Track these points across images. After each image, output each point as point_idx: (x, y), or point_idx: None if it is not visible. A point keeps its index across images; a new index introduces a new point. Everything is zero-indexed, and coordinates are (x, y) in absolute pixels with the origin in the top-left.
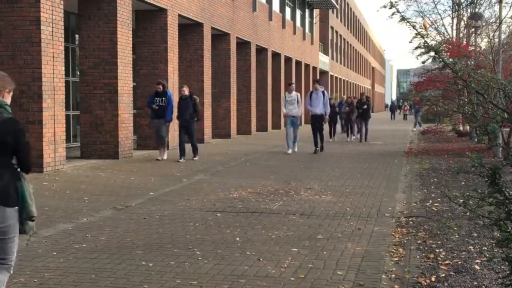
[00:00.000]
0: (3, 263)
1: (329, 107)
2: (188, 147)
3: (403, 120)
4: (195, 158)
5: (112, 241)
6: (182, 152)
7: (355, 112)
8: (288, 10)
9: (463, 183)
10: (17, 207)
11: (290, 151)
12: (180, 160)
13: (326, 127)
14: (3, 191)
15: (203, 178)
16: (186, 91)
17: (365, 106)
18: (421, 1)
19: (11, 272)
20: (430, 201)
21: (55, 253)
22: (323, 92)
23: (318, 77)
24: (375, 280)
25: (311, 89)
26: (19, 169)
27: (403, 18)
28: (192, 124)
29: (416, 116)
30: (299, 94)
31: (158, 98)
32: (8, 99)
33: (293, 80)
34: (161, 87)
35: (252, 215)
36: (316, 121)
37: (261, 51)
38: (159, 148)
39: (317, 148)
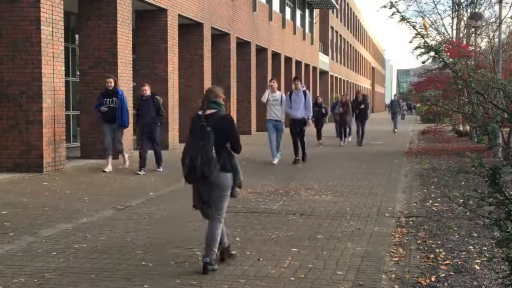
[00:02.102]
0: (219, 215)
1: (317, 107)
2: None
3: (401, 120)
4: (159, 169)
5: (112, 241)
6: (143, 163)
7: (350, 113)
8: (288, 10)
9: (463, 183)
10: (231, 174)
11: (276, 161)
12: (140, 173)
13: (311, 130)
14: (224, 163)
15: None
16: (147, 90)
17: (362, 106)
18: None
19: (223, 222)
20: (430, 201)
21: (55, 253)
22: (304, 91)
23: (317, 77)
24: (375, 280)
25: (311, 91)
26: (231, 150)
27: (403, 18)
28: (155, 129)
29: (395, 117)
30: (283, 94)
31: (108, 99)
32: (223, 102)
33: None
34: (112, 83)
35: (252, 215)
36: (296, 126)
37: (261, 51)
38: (107, 156)
39: (297, 157)
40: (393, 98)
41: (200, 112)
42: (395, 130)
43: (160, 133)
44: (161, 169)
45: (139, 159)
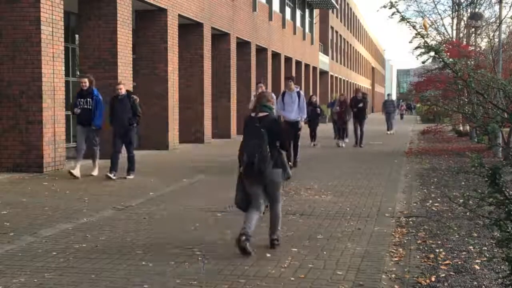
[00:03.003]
0: (278, 201)
1: (311, 106)
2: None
3: (400, 120)
4: (129, 176)
5: (112, 241)
6: (114, 166)
7: (349, 113)
8: (288, 10)
9: (463, 183)
10: (281, 169)
11: None
12: (111, 176)
13: (306, 131)
14: (276, 160)
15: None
16: (122, 89)
17: (361, 105)
18: (421, 1)
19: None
20: (430, 201)
21: (55, 253)
22: (298, 92)
23: (317, 77)
24: (375, 280)
25: (311, 91)
26: (280, 148)
27: (403, 18)
28: (130, 131)
29: (390, 117)
30: (273, 94)
31: (82, 100)
32: (274, 106)
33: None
34: (86, 83)
35: None
36: (290, 129)
37: (261, 51)
38: (77, 159)
39: (289, 163)
40: (386, 98)
41: (253, 115)
42: (390, 131)
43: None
44: (131, 176)
45: (111, 162)
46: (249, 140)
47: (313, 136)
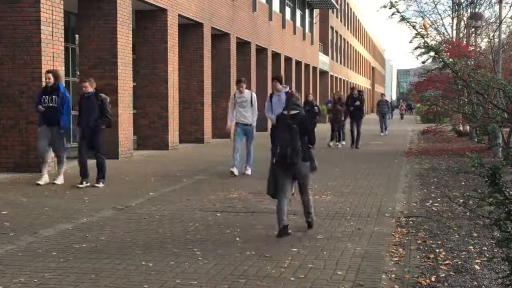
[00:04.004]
0: (307, 189)
1: (308, 106)
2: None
3: (400, 120)
4: (98, 185)
5: (112, 241)
6: (84, 173)
7: (345, 111)
8: (288, 10)
9: (463, 183)
10: (309, 162)
11: (235, 170)
12: (81, 186)
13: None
14: (304, 154)
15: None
16: (89, 87)
17: (358, 103)
18: (421, 1)
19: (310, 193)
20: (430, 201)
21: (55, 253)
22: (286, 93)
23: (317, 77)
24: (375, 280)
25: (311, 91)
26: (308, 143)
27: (403, 18)
28: (97, 133)
29: (384, 118)
30: (254, 93)
31: (46, 97)
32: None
33: (293, 81)
34: (51, 78)
35: (252, 215)
36: None
37: (261, 51)
38: (42, 165)
39: None
40: (380, 98)
41: (285, 112)
42: (384, 133)
43: (104, 138)
44: (100, 185)
45: (79, 168)
46: (281, 134)
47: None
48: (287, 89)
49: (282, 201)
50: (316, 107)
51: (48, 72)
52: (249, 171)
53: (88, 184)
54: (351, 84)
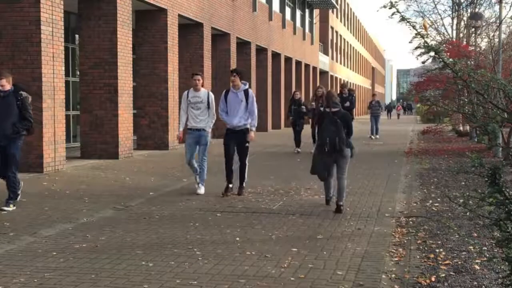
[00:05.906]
0: (344, 174)
1: (295, 105)
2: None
3: (397, 120)
4: (6, 208)
5: (112, 241)
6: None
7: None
8: (288, 10)
9: (463, 183)
10: (349, 149)
11: (200, 190)
12: (7, 208)
13: (289, 132)
14: (346, 142)
15: None
16: (6, 85)
17: (347, 104)
18: (421, 1)
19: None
20: (430, 201)
21: (55, 253)
22: (246, 91)
23: (318, 78)
24: (375, 280)
25: (311, 91)
26: (347, 135)
27: (403, 18)
28: (14, 142)
29: (376, 121)
30: (211, 93)
31: None
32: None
33: (293, 81)
34: None
35: (252, 215)
36: (232, 139)
37: (261, 51)
38: None
39: (230, 185)
40: (372, 98)
41: (328, 110)
42: (375, 136)
43: (21, 148)
44: (9, 208)
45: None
46: (328, 127)
47: (298, 141)
48: (247, 86)
49: (329, 180)
50: (304, 107)
51: None
52: (201, 190)
53: (14, 206)
54: (357, 86)
